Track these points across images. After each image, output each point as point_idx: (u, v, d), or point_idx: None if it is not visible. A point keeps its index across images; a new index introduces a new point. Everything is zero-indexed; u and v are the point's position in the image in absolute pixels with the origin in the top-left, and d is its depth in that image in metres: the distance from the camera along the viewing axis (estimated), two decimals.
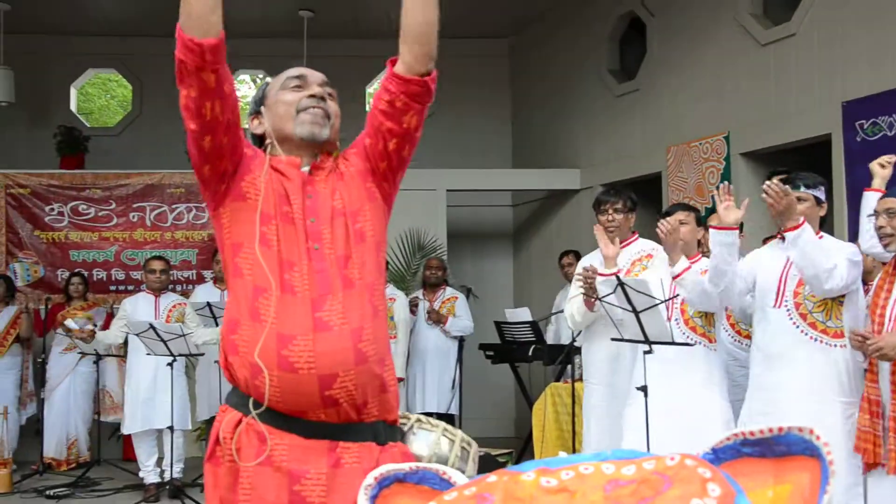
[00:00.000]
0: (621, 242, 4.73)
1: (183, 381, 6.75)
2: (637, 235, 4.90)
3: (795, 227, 3.61)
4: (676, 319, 4.14)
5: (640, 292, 3.81)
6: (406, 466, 1.49)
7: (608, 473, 1.27)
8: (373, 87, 12.41)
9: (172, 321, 6.59)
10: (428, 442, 2.13)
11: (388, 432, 2.07)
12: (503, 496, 1.31)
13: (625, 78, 8.53)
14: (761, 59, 6.75)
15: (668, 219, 4.06)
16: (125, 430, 6.76)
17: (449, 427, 2.19)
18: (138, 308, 6.75)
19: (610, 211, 4.72)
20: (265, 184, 2.08)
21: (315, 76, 2.22)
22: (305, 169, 2.14)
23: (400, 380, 7.05)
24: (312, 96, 2.16)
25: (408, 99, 2.11)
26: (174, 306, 6.85)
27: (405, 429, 2.15)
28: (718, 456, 1.31)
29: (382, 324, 2.09)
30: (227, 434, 2.02)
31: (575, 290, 4.73)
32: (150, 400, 6.48)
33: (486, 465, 2.30)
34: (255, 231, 2.03)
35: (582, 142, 9.04)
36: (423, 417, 2.20)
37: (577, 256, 7.84)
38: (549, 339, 7.58)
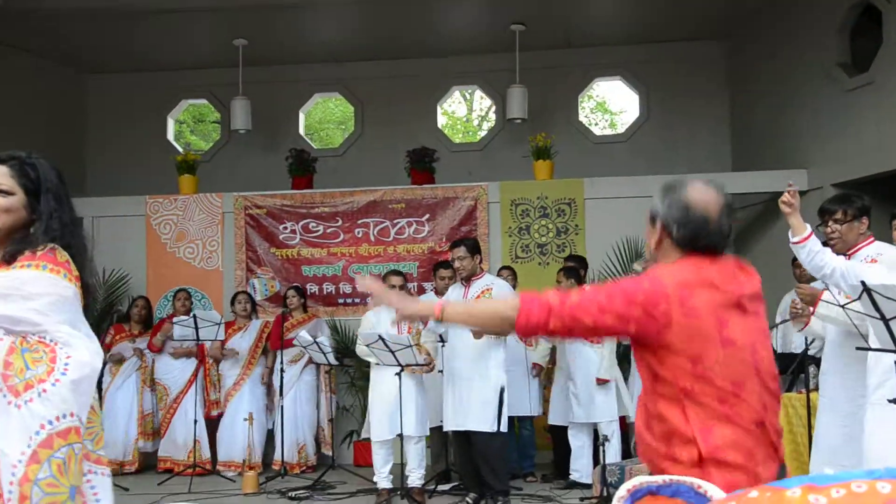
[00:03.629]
0: (849, 249, 4.48)
1: (422, 391, 6.94)
2: (872, 239, 4.57)
3: None
4: None
5: (889, 298, 3.55)
6: (659, 479, 1.48)
7: (885, 493, 1.21)
8: (583, 96, 12.37)
9: (413, 332, 6.78)
10: None
11: None
12: None
13: (856, 71, 8.01)
14: None
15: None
16: (373, 437, 6.91)
17: None
18: (381, 320, 7.02)
19: (829, 222, 4.51)
20: None
21: None
22: None
23: (605, 381, 6.98)
24: None
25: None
26: None
27: None
28: None
29: (656, 428, 2.27)
30: None
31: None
32: (394, 409, 6.65)
33: None
34: None
35: (809, 140, 8.57)
36: None
37: None
38: (777, 346, 7.21)
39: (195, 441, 8.04)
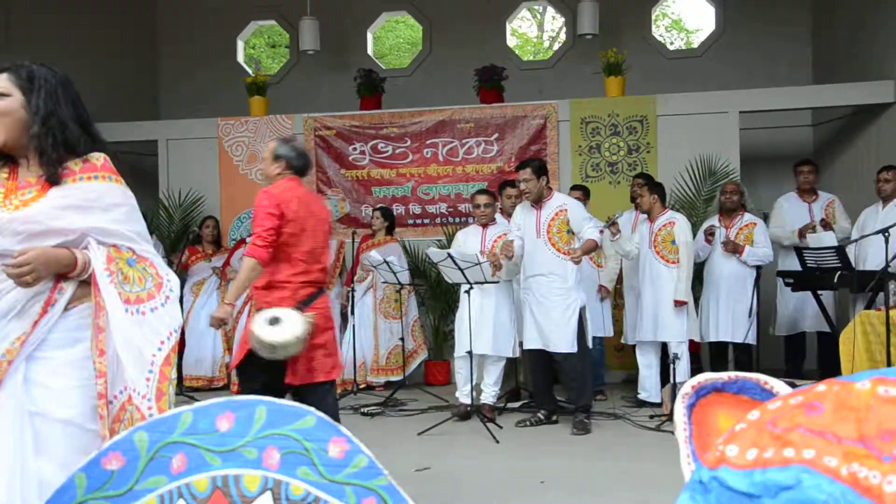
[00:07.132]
0: None
1: (506, 311, 6.94)
2: None
3: None
4: None
5: None
6: (724, 376, 1.47)
7: None
8: (657, 13, 11.97)
9: (497, 251, 6.78)
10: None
11: None
12: (834, 405, 1.25)
13: None
14: None
15: None
16: (456, 354, 6.99)
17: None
18: (468, 239, 7.07)
19: None
20: None
21: None
22: None
23: (682, 303, 6.90)
24: None
25: None
26: (499, 237, 6.99)
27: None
28: None
29: None
30: None
31: None
32: (475, 327, 6.73)
33: None
34: None
35: (895, 49, 8.18)
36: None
37: None
38: (854, 262, 7.02)
39: None
